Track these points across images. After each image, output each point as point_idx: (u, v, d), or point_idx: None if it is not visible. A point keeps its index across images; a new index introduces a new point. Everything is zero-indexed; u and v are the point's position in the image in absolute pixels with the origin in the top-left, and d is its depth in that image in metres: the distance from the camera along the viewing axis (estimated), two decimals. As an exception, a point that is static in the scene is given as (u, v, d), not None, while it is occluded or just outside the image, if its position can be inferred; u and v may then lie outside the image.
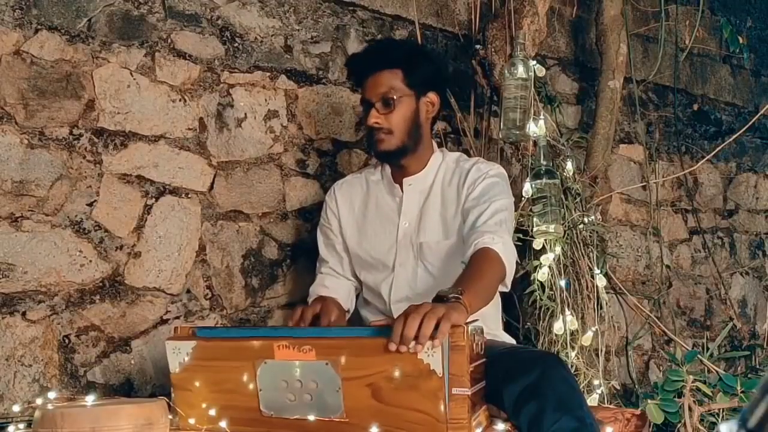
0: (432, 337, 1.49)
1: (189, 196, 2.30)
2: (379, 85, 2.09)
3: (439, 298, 1.65)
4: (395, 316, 1.63)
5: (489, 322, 2.07)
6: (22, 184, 2.03)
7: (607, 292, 2.69)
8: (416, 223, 2.15)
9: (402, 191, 2.18)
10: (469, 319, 1.61)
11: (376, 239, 2.18)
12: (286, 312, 2.49)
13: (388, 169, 2.23)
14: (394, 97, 2.07)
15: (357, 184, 2.27)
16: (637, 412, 2.01)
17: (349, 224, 2.22)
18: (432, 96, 2.15)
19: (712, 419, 2.56)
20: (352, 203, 2.24)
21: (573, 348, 2.50)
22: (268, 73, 2.48)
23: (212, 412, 1.66)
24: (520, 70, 2.54)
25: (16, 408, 1.93)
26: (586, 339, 2.53)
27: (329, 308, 2.01)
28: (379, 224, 2.19)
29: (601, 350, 2.62)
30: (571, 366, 2.44)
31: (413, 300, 1.99)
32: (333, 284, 2.21)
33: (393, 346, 1.50)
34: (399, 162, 2.16)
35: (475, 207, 2.05)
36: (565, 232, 2.55)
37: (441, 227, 2.12)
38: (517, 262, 2.39)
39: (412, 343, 1.49)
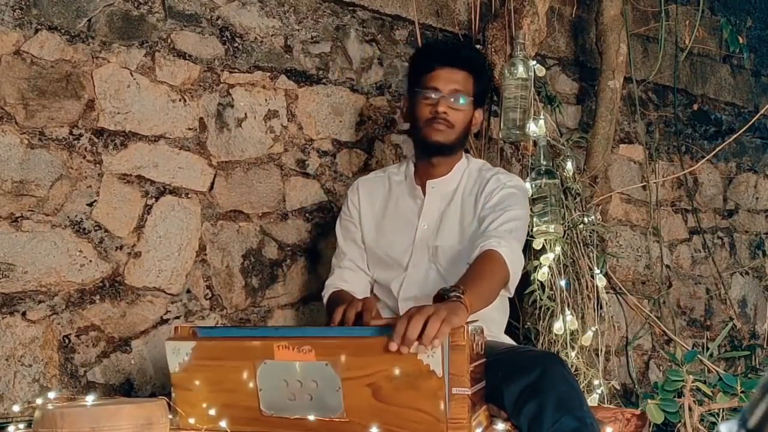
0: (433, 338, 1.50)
1: (189, 196, 2.30)
2: (455, 81, 2.13)
3: (440, 296, 1.66)
4: (402, 313, 1.63)
5: (494, 327, 2.07)
6: (22, 184, 2.03)
7: (607, 292, 2.69)
8: (435, 226, 2.15)
9: (424, 193, 2.19)
10: (469, 319, 1.61)
11: (393, 239, 2.18)
12: (286, 312, 2.49)
13: (411, 168, 2.24)
14: (466, 100, 2.13)
15: (379, 182, 2.27)
16: (637, 412, 2.01)
17: (368, 220, 2.23)
18: (479, 112, 2.23)
19: (712, 419, 2.56)
20: (373, 200, 2.24)
21: (573, 348, 2.50)
22: (268, 73, 2.48)
23: (212, 411, 1.66)
24: (520, 70, 2.54)
25: (16, 408, 1.93)
26: (586, 339, 2.53)
27: (371, 305, 1.94)
28: (397, 224, 2.19)
29: (601, 350, 2.62)
30: (571, 366, 2.44)
31: (421, 299, 1.99)
32: (352, 278, 2.19)
33: (394, 346, 1.50)
34: (437, 158, 2.17)
35: (490, 214, 2.06)
36: (565, 232, 2.55)
37: (458, 233, 2.13)
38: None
39: (414, 344, 1.49)
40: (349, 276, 2.20)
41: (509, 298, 2.21)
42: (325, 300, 2.17)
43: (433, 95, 2.12)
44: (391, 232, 2.20)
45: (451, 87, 2.12)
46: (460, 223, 2.14)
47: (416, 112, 2.16)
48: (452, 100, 2.12)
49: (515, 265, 1.96)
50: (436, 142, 2.13)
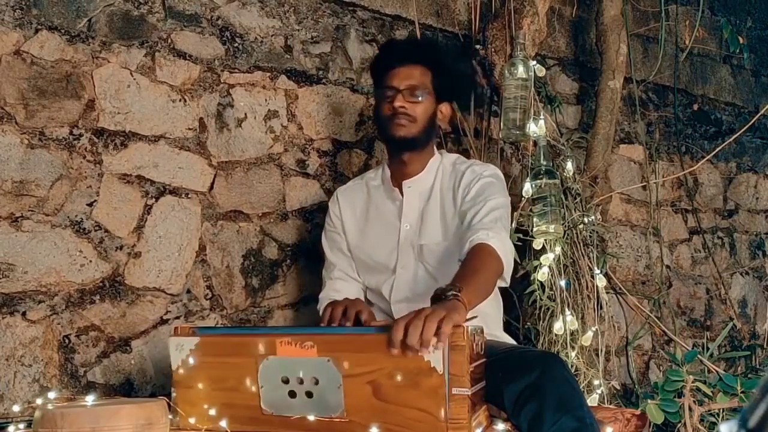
0: (435, 336, 1.50)
1: (189, 196, 2.30)
2: (410, 77, 2.14)
3: (437, 296, 1.66)
4: (395, 317, 1.64)
5: (490, 322, 2.08)
6: (22, 184, 2.03)
7: (607, 292, 2.69)
8: (417, 225, 2.16)
9: (402, 194, 2.19)
10: (468, 315, 1.61)
11: (378, 243, 2.19)
12: (286, 312, 2.49)
13: (387, 172, 2.24)
14: (423, 94, 2.14)
15: (358, 190, 2.28)
16: (637, 412, 2.01)
17: (352, 229, 2.24)
18: (446, 107, 2.21)
19: (712, 419, 2.56)
20: (354, 208, 2.25)
21: (573, 348, 2.50)
22: (268, 73, 2.48)
23: (213, 411, 1.66)
24: (520, 70, 2.54)
25: (16, 408, 1.93)
26: (586, 339, 2.53)
27: (358, 304, 1.97)
28: (380, 228, 2.20)
29: (601, 350, 2.62)
30: (571, 366, 2.44)
31: (413, 300, 2.00)
32: (344, 288, 2.20)
33: (395, 351, 1.51)
34: (406, 154, 2.18)
35: (472, 207, 2.07)
36: (565, 232, 2.55)
37: (441, 229, 2.14)
38: (517, 261, 2.40)
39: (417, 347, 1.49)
40: (340, 286, 2.20)
41: (507, 298, 2.21)
42: (321, 314, 2.16)
43: (390, 93, 2.15)
44: (374, 236, 2.20)
45: (407, 83, 2.14)
46: (442, 218, 2.14)
47: (379, 112, 2.19)
48: (409, 94, 2.13)
49: (507, 254, 1.97)
50: (400, 138, 2.14)
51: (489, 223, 1.99)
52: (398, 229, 2.17)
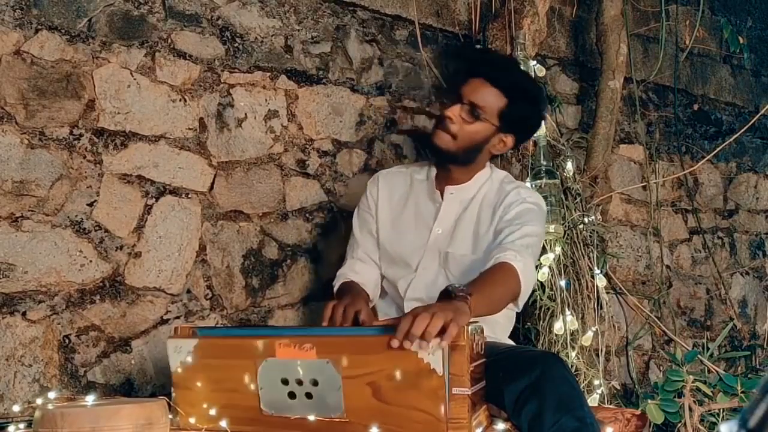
0: (439, 336, 1.49)
1: (189, 196, 2.30)
2: (480, 94, 2.07)
3: (448, 292, 1.65)
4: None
5: (497, 329, 2.07)
6: (22, 184, 2.03)
7: (607, 292, 2.69)
8: (449, 232, 2.13)
9: (442, 198, 2.17)
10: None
11: (406, 239, 2.17)
12: (287, 312, 2.49)
13: (434, 171, 2.22)
14: (481, 116, 2.07)
15: (401, 177, 2.26)
16: (637, 412, 2.01)
17: (385, 215, 2.21)
18: (509, 138, 2.14)
19: (713, 419, 2.56)
20: (391, 194, 2.23)
21: (573, 348, 2.50)
22: (269, 73, 2.48)
23: (213, 411, 1.66)
24: (521, 70, 2.54)
25: (16, 408, 1.93)
26: (586, 339, 2.53)
27: (359, 305, 1.95)
28: (413, 225, 2.18)
29: (601, 350, 2.62)
30: (571, 366, 2.44)
31: (427, 302, 1.98)
32: (363, 270, 2.19)
33: (395, 343, 1.50)
34: (445, 165, 2.16)
35: (507, 227, 2.03)
36: (565, 232, 2.55)
37: (471, 242, 2.11)
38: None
39: (417, 341, 1.48)
40: (360, 267, 2.20)
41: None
42: (335, 289, 2.17)
43: (453, 99, 2.10)
44: (405, 231, 2.18)
45: (471, 98, 2.07)
46: (474, 232, 2.12)
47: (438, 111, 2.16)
48: (468, 110, 2.07)
49: (528, 281, 1.93)
50: (433, 145, 2.12)
51: (520, 246, 1.95)
52: (430, 231, 2.14)
